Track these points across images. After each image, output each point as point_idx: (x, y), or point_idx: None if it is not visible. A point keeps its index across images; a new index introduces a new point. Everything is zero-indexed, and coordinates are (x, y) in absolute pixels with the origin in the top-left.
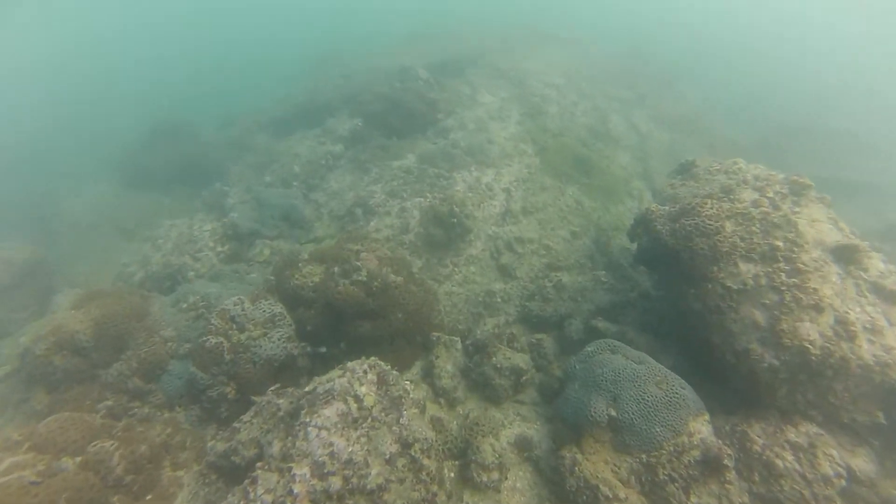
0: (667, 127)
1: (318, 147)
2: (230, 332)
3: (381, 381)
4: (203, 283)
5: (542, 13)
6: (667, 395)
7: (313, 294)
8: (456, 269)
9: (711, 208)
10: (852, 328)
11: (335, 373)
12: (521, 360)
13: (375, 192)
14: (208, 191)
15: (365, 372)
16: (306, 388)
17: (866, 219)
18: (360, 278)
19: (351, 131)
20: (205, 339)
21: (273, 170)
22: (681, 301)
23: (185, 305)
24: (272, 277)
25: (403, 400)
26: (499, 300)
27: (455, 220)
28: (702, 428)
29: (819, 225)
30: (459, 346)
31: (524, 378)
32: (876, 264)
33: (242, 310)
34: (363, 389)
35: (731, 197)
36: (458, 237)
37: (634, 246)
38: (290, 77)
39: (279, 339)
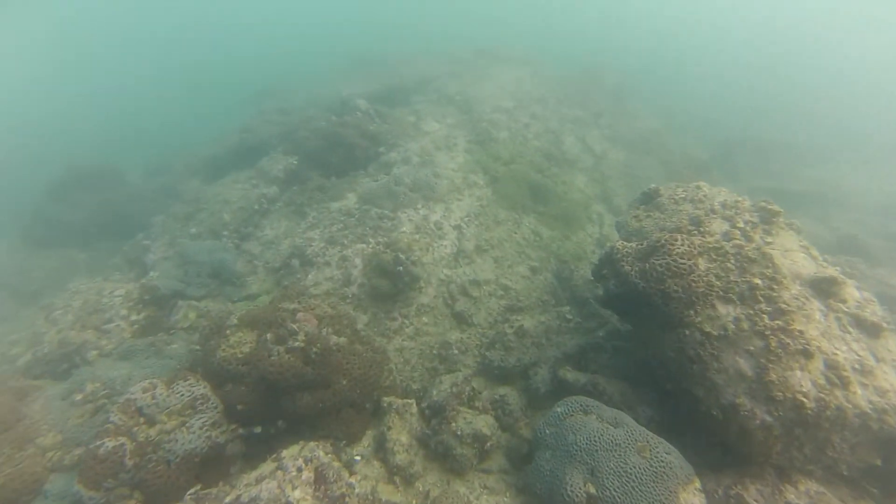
0: (622, 145)
1: (251, 191)
2: (136, 428)
3: (320, 479)
4: (108, 364)
5: (491, 34)
6: (651, 465)
7: (243, 367)
8: (406, 320)
9: (682, 245)
10: (844, 373)
11: (266, 467)
12: (485, 423)
13: (313, 240)
14: (129, 245)
15: (299, 469)
16: (227, 499)
17: (818, 230)
18: (296, 344)
19: (286, 171)
20: (98, 444)
21: (200, 219)
22: (657, 348)
23: (78, 397)
24: (198, 347)
25: (347, 499)
26: (456, 352)
27: (401, 269)
28: (693, 499)
29: (793, 255)
30: (415, 409)
31: (489, 444)
32: (852, 293)
33: (154, 398)
34: (297, 494)
35: (702, 230)
36: (406, 286)
37: (600, 288)
38: (231, 110)
39: (201, 428)
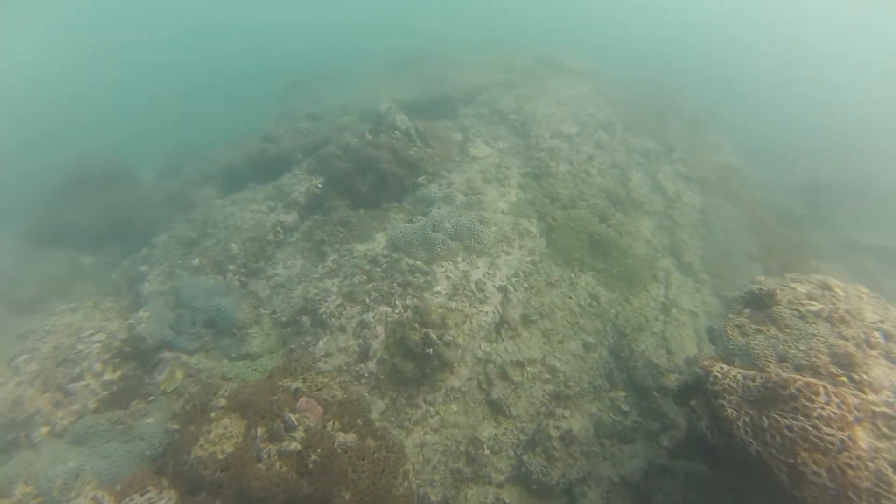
0: (698, 186)
1: (267, 215)
2: None
3: None
4: (56, 451)
5: (550, 36)
6: None
7: (222, 474)
8: (431, 408)
9: (828, 402)
10: None
11: None
12: None
13: (330, 293)
14: (130, 260)
15: None
16: None
17: None
18: (293, 446)
19: (308, 195)
20: None
21: (205, 247)
22: None
23: None
24: (176, 428)
25: None
26: (487, 452)
27: (431, 352)
28: None
29: None
30: None
31: None
32: None
33: None
34: None
35: (856, 377)
36: (434, 370)
37: (679, 407)
38: (260, 102)
39: None
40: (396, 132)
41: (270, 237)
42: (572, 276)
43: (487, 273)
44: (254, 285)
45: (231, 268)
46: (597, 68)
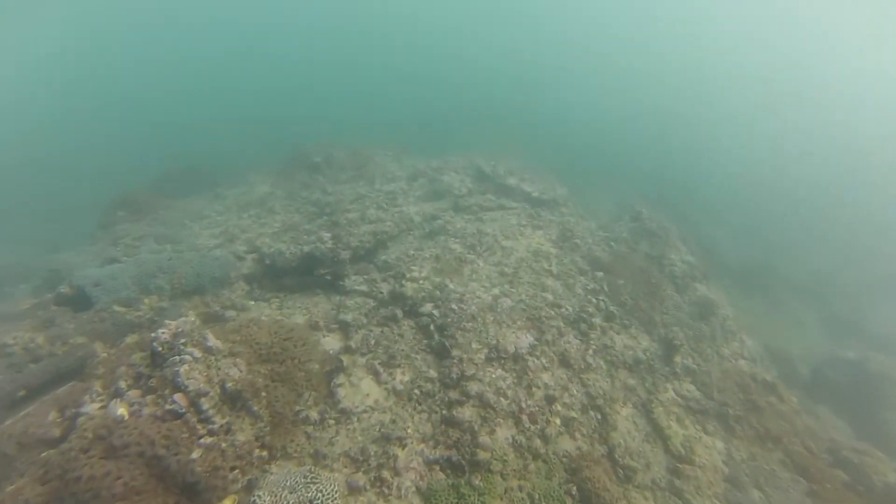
0: (716, 421)
1: None
2: None
3: None
4: None
5: (496, 128)
6: None
7: None
8: None
9: None
10: None
11: None
12: None
13: None
14: None
15: None
16: None
17: None
18: None
19: None
20: None
21: None
22: None
23: None
24: None
25: None
26: None
27: None
28: None
29: None
30: None
31: None
32: None
33: None
34: None
35: None
36: None
37: None
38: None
39: None
40: (174, 402)
41: None
42: None
43: None
44: None
45: None
46: (558, 192)
